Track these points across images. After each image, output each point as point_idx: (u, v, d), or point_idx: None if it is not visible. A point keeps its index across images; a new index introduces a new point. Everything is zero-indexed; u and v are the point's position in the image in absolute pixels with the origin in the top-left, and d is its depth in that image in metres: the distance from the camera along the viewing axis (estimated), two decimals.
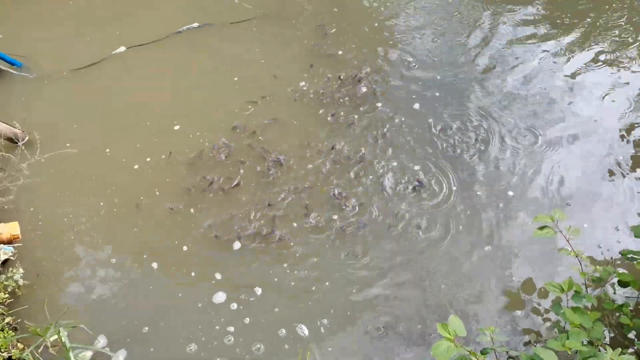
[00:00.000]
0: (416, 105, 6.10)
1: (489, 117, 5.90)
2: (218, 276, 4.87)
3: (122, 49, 7.15)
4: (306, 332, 4.47)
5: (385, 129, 5.89)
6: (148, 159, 5.82)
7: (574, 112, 5.93)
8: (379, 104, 6.16)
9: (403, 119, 5.97)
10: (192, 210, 5.38)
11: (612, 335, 4.18)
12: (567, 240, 4.06)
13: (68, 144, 5.98)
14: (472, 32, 6.97)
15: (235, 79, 6.63)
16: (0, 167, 5.75)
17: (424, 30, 7.04)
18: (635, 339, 4.01)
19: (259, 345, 4.44)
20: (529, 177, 5.35)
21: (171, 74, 6.85)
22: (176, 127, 6.15)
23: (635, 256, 4.01)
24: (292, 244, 5.05)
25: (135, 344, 4.48)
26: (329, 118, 6.04)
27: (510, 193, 5.25)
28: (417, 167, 5.51)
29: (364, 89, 6.28)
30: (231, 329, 4.52)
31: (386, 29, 7.12)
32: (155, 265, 4.99)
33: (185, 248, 5.09)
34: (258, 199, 5.41)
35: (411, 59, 6.65)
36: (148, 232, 5.26)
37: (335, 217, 5.20)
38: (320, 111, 6.13)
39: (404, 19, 7.23)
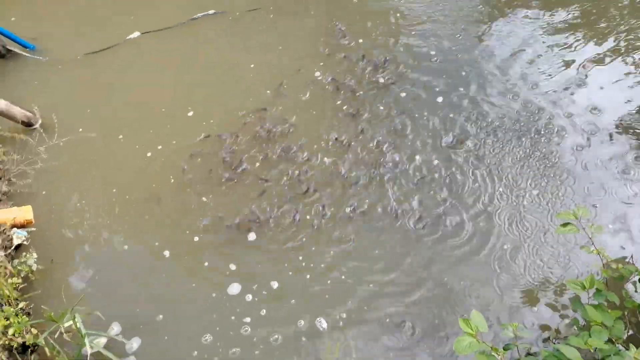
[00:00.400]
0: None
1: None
2: (232, 267, 4.82)
3: (137, 34, 7.11)
4: (325, 325, 4.42)
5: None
6: (160, 147, 5.78)
7: None
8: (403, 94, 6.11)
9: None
10: (204, 199, 5.33)
11: (630, 333, 4.14)
12: (590, 238, 4.02)
13: (81, 129, 5.94)
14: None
15: (252, 65, 6.57)
16: (15, 151, 5.72)
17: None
18: None
19: (276, 336, 4.40)
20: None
21: (186, 60, 6.81)
22: (190, 114, 6.09)
23: None
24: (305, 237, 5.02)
25: (149, 332, 4.44)
26: (344, 107, 5.99)
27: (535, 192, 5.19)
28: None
29: (381, 80, 6.22)
30: (247, 319, 4.48)
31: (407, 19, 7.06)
32: (167, 253, 4.94)
33: (196, 239, 5.03)
34: (276, 190, 5.36)
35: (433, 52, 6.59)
36: (160, 221, 5.21)
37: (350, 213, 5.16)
38: (338, 102, 6.07)
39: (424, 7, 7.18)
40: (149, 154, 5.72)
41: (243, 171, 5.48)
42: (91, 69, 6.73)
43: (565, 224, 4.02)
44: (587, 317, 3.70)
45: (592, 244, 4.04)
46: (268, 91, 6.26)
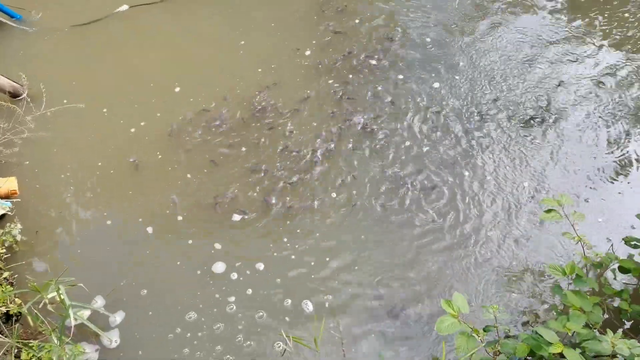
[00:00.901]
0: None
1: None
2: (218, 246, 4.83)
3: (125, 7, 7.03)
4: (310, 307, 4.45)
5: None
6: (144, 122, 5.75)
7: None
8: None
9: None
10: (188, 175, 5.32)
11: (606, 317, 4.23)
12: (572, 225, 4.08)
13: (65, 101, 5.88)
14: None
15: (242, 42, 6.54)
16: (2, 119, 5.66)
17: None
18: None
19: (261, 313, 4.43)
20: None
21: (174, 35, 6.74)
22: (177, 90, 6.07)
23: (639, 243, 4.05)
24: (294, 213, 5.03)
25: (133, 307, 4.45)
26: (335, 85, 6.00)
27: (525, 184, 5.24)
28: None
29: (374, 62, 6.23)
30: (232, 298, 4.50)
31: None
32: (150, 230, 4.94)
33: (180, 218, 5.03)
34: (264, 167, 5.37)
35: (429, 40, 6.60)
36: (143, 196, 5.20)
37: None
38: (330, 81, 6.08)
39: None
40: (132, 130, 5.69)
41: (230, 148, 5.48)
42: (78, 41, 6.65)
43: (549, 210, 4.08)
44: (566, 302, 3.76)
45: (575, 231, 4.10)
46: (259, 69, 6.24)
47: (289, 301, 4.47)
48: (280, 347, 4.23)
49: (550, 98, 5.70)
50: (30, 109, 5.68)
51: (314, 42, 6.47)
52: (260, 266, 4.66)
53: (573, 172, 5.21)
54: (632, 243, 4.08)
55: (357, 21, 6.65)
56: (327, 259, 4.71)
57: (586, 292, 3.90)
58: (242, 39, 6.58)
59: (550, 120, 5.55)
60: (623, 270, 4.05)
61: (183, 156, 5.45)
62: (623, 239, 4.15)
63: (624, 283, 4.40)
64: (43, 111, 5.66)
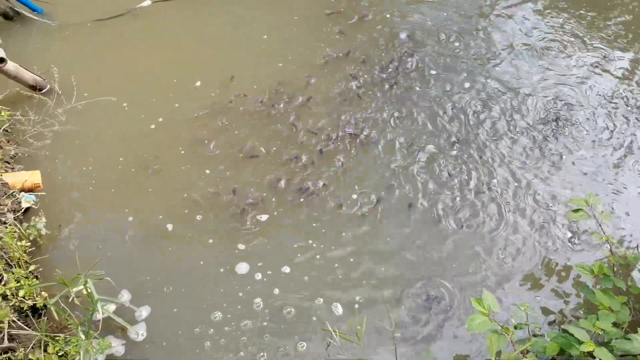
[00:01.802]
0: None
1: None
2: (241, 247, 4.80)
3: (148, 2, 7.05)
4: (340, 310, 4.44)
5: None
6: (164, 118, 5.77)
7: None
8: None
9: None
10: (207, 170, 5.33)
11: (633, 318, 4.22)
12: (599, 225, 4.08)
13: (86, 94, 5.90)
14: None
15: (265, 37, 6.56)
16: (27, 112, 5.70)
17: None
18: None
19: (289, 309, 4.43)
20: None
21: (196, 31, 6.77)
22: (197, 84, 6.09)
23: None
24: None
25: (158, 302, 4.45)
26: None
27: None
28: None
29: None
30: (258, 300, 4.50)
31: None
32: (170, 227, 4.93)
33: (199, 217, 5.01)
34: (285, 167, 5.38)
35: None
36: (163, 193, 5.19)
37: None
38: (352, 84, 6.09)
39: None
40: (152, 126, 5.70)
41: (252, 149, 5.50)
42: (100, 36, 6.68)
43: (576, 210, 4.09)
44: (595, 301, 3.76)
45: (602, 230, 4.10)
46: (280, 64, 6.25)
47: (320, 300, 4.46)
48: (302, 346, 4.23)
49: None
50: (61, 102, 5.72)
51: (337, 37, 6.48)
52: (286, 269, 4.64)
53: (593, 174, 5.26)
54: None
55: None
56: (354, 259, 4.70)
57: (614, 292, 3.89)
58: (265, 33, 6.60)
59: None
60: None
61: (205, 151, 5.46)
62: None
63: None
64: (73, 104, 5.71)
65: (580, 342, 3.34)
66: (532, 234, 4.80)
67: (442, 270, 4.61)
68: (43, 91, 5.97)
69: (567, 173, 5.25)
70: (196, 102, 5.90)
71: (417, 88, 5.99)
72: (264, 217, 4.96)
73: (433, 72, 6.17)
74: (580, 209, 4.08)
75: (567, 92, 5.95)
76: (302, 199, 5.08)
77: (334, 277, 4.58)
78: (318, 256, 4.70)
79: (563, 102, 5.84)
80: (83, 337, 3.93)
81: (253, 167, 5.35)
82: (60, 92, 5.80)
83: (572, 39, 6.57)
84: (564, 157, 5.36)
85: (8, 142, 5.48)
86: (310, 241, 4.80)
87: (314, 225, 4.91)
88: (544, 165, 5.30)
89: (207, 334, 4.26)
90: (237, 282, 4.56)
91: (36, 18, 6.79)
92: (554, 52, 6.40)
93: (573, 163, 5.32)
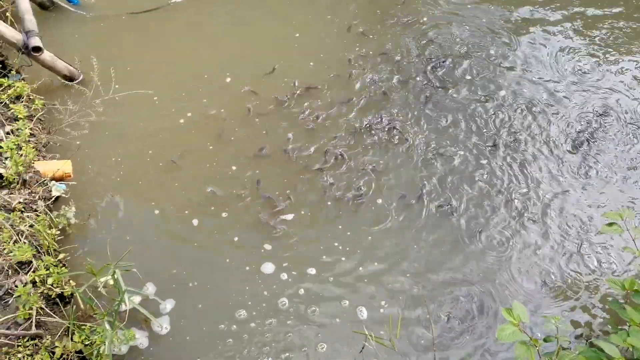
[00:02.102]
0: None
1: None
2: (268, 247, 4.80)
3: None
4: (365, 314, 4.42)
5: None
6: (189, 114, 5.79)
7: None
8: None
9: None
10: (234, 167, 5.35)
11: None
12: (633, 239, 4.03)
13: (117, 86, 5.94)
14: None
15: (297, 35, 6.59)
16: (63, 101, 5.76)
17: None
18: None
19: (314, 308, 4.42)
20: None
21: (230, 26, 6.80)
22: (227, 80, 6.11)
23: None
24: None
25: (182, 296, 4.47)
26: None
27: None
28: None
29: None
30: (284, 300, 4.49)
31: None
32: (195, 222, 4.95)
33: (224, 215, 5.02)
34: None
35: None
36: (189, 188, 5.21)
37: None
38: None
39: None
40: (181, 121, 5.73)
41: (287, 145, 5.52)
42: (134, 29, 6.72)
43: (610, 224, 4.04)
44: (625, 317, 3.71)
45: (635, 245, 4.05)
46: (311, 63, 6.27)
47: (346, 302, 4.44)
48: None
49: None
50: (98, 93, 5.79)
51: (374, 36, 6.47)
52: (312, 270, 4.63)
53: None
54: None
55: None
56: (377, 264, 4.69)
57: None
58: (297, 31, 6.63)
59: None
60: None
61: (232, 148, 5.48)
62: None
63: None
64: (111, 95, 5.77)
65: (611, 358, 3.29)
66: (564, 247, 4.76)
67: (468, 280, 4.58)
68: (76, 81, 6.01)
69: (603, 187, 5.21)
70: (225, 97, 5.92)
71: (454, 95, 5.96)
72: (289, 217, 4.95)
73: (468, 77, 6.14)
74: (614, 223, 4.03)
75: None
76: (329, 202, 5.06)
77: (360, 281, 4.57)
78: (343, 258, 4.69)
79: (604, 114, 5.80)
80: (109, 327, 3.96)
81: (280, 166, 5.35)
82: (99, 83, 5.83)
83: (612, 52, 6.49)
84: (598, 171, 5.30)
85: (42, 130, 5.53)
86: (336, 244, 4.78)
87: (340, 227, 4.90)
88: (578, 179, 5.25)
89: (230, 330, 4.27)
90: (263, 281, 4.56)
91: (72, 9, 6.85)
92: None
93: (606, 176, 5.27)
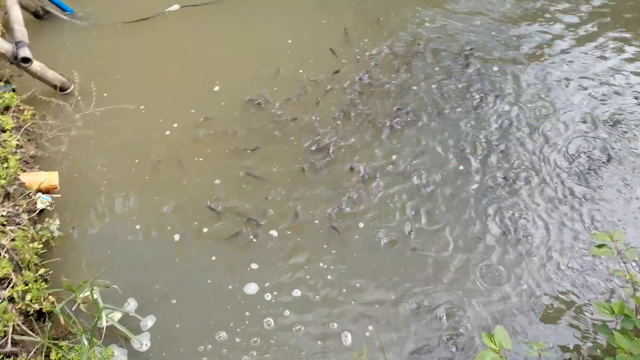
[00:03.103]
0: None
1: None
2: (254, 266, 4.68)
3: (176, 6, 7.05)
4: (349, 339, 4.30)
5: None
6: (176, 124, 5.73)
7: None
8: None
9: None
10: (217, 181, 5.27)
11: None
12: (624, 262, 3.91)
13: (105, 94, 5.93)
14: None
15: (289, 41, 6.55)
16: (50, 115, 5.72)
17: None
18: None
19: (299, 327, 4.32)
20: None
21: (224, 36, 6.79)
22: (215, 89, 6.07)
23: None
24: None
25: (163, 313, 4.38)
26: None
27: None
28: None
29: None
30: (269, 320, 4.38)
31: None
32: (177, 237, 4.86)
33: (205, 230, 4.91)
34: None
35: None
36: (174, 202, 5.12)
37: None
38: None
39: None
40: (167, 132, 5.66)
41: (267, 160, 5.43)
42: (128, 39, 6.70)
43: (600, 245, 3.92)
44: (614, 343, 3.60)
45: (626, 268, 3.93)
46: (300, 70, 6.25)
47: (334, 325, 4.33)
48: None
49: None
50: (79, 107, 5.72)
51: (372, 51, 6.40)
52: (297, 292, 4.53)
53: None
54: None
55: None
56: (366, 285, 4.58)
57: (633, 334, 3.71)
58: (289, 38, 6.59)
59: None
60: None
61: (219, 161, 5.42)
62: None
63: None
64: (92, 110, 5.71)
65: None
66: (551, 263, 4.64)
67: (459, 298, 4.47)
68: (67, 91, 5.97)
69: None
70: (213, 107, 5.86)
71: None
72: (274, 233, 4.87)
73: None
74: (603, 244, 3.91)
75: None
76: (316, 221, 4.98)
77: (346, 303, 4.46)
78: (330, 277, 4.60)
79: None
80: (87, 344, 3.89)
81: (267, 181, 5.27)
82: (79, 98, 5.79)
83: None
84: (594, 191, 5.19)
85: (29, 141, 5.49)
86: (322, 264, 4.69)
87: (325, 247, 4.81)
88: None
89: (209, 352, 4.18)
90: (245, 301, 4.45)
91: (66, 18, 6.83)
92: None
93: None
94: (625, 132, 5.57)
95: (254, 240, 4.81)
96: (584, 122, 5.67)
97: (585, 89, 6.00)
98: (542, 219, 4.92)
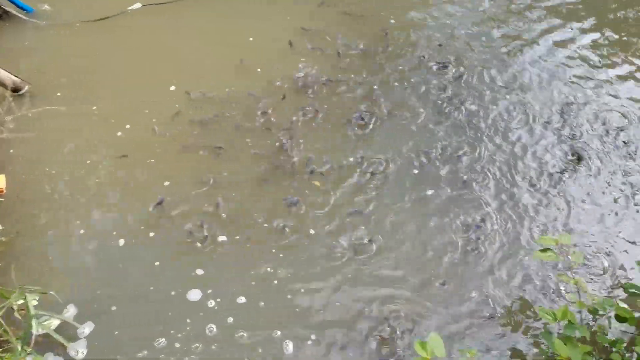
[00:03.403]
0: None
1: None
2: (200, 272, 4.56)
3: (138, 5, 6.94)
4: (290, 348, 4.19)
5: None
6: (128, 126, 5.60)
7: None
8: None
9: None
10: (167, 182, 5.17)
11: None
12: (570, 270, 3.84)
13: (59, 93, 5.84)
14: None
15: (251, 38, 6.52)
16: None
17: None
18: None
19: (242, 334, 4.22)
20: None
21: (186, 35, 6.69)
22: (172, 88, 5.97)
23: (637, 291, 3.76)
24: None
25: (102, 320, 4.26)
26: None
27: None
28: None
29: None
30: (212, 326, 4.26)
31: None
32: (122, 242, 4.74)
33: (152, 234, 4.80)
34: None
35: None
36: (121, 206, 5.01)
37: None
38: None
39: None
40: (119, 133, 5.53)
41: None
42: (87, 38, 6.58)
43: (544, 250, 3.83)
44: (554, 350, 3.51)
45: (571, 272, 3.84)
46: (258, 69, 6.16)
47: (277, 333, 4.22)
48: None
49: None
50: (27, 107, 5.62)
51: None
52: (241, 299, 4.41)
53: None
54: (631, 291, 3.79)
55: None
56: (312, 292, 4.48)
57: (578, 340, 3.62)
58: (251, 35, 6.54)
59: None
60: (619, 319, 3.77)
61: (171, 163, 5.31)
62: (622, 285, 3.87)
63: (622, 331, 4.07)
64: (39, 110, 5.60)
65: None
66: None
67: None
68: (21, 92, 5.85)
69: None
70: (168, 107, 5.75)
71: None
72: (223, 238, 4.76)
73: None
74: (548, 249, 3.82)
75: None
76: (266, 225, 4.88)
77: (290, 311, 4.35)
78: (276, 281, 4.49)
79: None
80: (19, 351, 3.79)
81: (218, 184, 5.17)
82: (30, 98, 5.69)
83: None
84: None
85: None
86: (269, 269, 4.58)
87: (273, 251, 4.70)
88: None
89: (146, 358, 4.07)
90: (188, 308, 4.35)
91: (25, 17, 6.71)
92: None
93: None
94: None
95: (200, 245, 4.71)
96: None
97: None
98: (493, 218, 4.85)
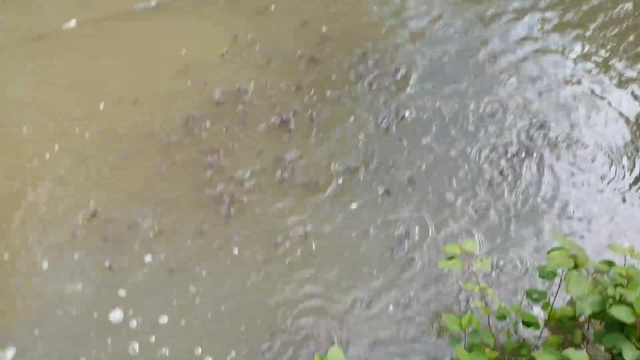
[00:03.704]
0: None
1: None
2: (122, 293, 4.56)
3: (73, 23, 6.91)
4: None
5: None
6: (57, 147, 5.55)
7: None
8: None
9: None
10: (92, 202, 5.16)
11: None
12: (475, 275, 3.90)
13: None
14: None
15: (184, 52, 6.50)
16: None
17: None
18: None
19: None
20: None
21: (120, 52, 6.64)
22: (101, 106, 5.94)
23: (540, 297, 3.83)
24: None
25: (25, 344, 4.28)
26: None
27: None
28: None
29: None
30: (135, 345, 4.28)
31: None
32: (45, 265, 4.72)
33: (76, 255, 4.80)
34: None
35: None
36: (41, 227, 4.99)
37: None
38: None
39: None
40: (47, 156, 5.49)
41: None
42: (19, 59, 6.54)
43: (450, 258, 3.87)
44: (459, 358, 3.57)
45: (477, 279, 3.90)
46: (189, 81, 6.18)
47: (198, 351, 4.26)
48: None
49: None
50: None
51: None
52: (164, 319, 4.42)
53: None
54: (534, 296, 3.87)
55: None
56: (233, 309, 4.52)
57: (485, 347, 3.68)
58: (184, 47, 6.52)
59: None
60: (526, 324, 3.84)
61: (102, 183, 5.31)
62: (525, 291, 3.94)
63: (534, 336, 4.12)
64: None
65: None
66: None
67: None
68: None
69: None
70: (98, 125, 5.74)
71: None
72: (148, 259, 4.77)
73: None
74: (453, 257, 3.86)
75: None
76: (188, 242, 4.90)
77: (212, 328, 4.38)
78: (198, 299, 4.52)
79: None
80: None
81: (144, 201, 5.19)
82: None
83: None
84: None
85: None
86: (193, 287, 4.61)
87: (197, 270, 4.72)
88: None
89: None
90: (110, 328, 4.36)
91: None
92: None
93: None
94: None
95: (126, 265, 4.72)
96: None
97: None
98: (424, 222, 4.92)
